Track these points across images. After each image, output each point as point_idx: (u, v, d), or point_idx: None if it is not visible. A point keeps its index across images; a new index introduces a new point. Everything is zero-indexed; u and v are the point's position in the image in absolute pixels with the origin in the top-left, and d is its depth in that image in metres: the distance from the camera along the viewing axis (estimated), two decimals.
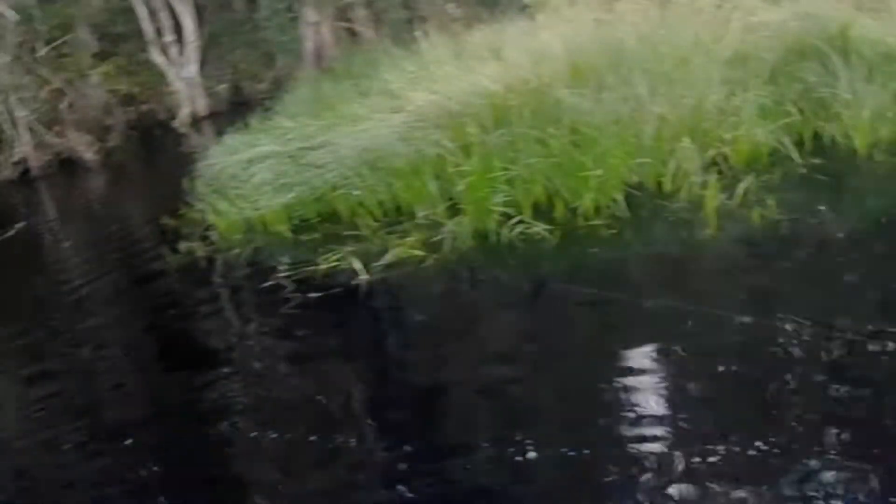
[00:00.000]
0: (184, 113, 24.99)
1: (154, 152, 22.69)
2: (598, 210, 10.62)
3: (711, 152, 11.52)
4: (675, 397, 7.12)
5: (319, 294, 9.92)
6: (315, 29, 24.02)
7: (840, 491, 5.65)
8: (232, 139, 14.49)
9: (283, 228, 11.81)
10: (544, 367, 7.79)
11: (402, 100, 13.54)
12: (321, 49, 24.09)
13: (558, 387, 7.47)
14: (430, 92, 13.24)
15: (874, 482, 5.65)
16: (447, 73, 13.90)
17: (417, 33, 17.63)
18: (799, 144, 11.70)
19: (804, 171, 11.20)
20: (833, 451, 6.06)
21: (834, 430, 6.24)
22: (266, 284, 10.54)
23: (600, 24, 14.46)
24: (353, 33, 24.90)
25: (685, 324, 8.02)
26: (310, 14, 23.74)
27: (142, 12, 24.51)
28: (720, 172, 11.04)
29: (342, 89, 16.44)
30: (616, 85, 12.20)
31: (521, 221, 10.39)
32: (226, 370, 8.95)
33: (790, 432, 6.28)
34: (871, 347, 7.19)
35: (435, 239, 10.60)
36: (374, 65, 17.21)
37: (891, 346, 7.12)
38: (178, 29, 25.08)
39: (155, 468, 7.36)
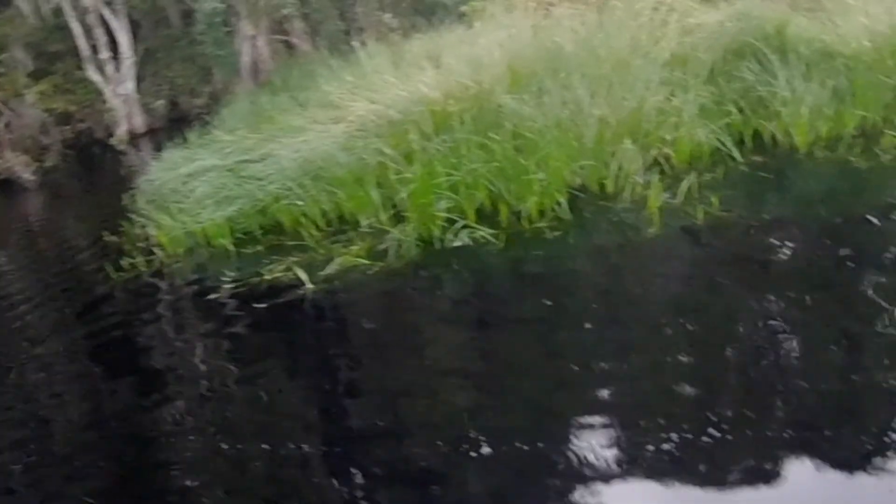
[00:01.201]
0: (121, 130, 24.83)
1: (93, 170, 22.53)
2: (542, 213, 10.61)
3: (653, 153, 11.62)
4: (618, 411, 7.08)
5: (265, 305, 9.81)
6: (251, 42, 23.95)
7: None
8: (171, 154, 14.41)
9: (227, 241, 11.69)
10: (489, 376, 7.76)
11: (341, 110, 13.49)
12: (258, 62, 24.02)
13: (502, 393, 7.43)
14: (369, 101, 13.20)
15: None
16: (386, 81, 13.86)
17: (355, 44, 17.58)
18: (740, 143, 11.85)
19: (746, 168, 11.33)
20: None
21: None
22: (211, 297, 10.42)
23: (538, 30, 14.46)
24: (289, 46, 24.85)
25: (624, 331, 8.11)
26: (246, 28, 23.67)
27: (77, 29, 24.33)
28: (662, 172, 11.11)
29: (280, 102, 16.41)
30: (556, 89, 12.20)
31: (465, 226, 10.35)
32: (172, 386, 8.81)
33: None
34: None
35: (380, 247, 10.55)
36: (312, 76, 17.20)
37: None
38: (113, 45, 24.90)
39: (101, 487, 7.23)
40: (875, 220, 9.52)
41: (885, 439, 5.90)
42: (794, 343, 7.40)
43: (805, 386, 6.71)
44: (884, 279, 8.16)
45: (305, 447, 7.20)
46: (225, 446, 7.41)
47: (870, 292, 7.86)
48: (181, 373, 9.18)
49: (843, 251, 8.93)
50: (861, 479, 5.58)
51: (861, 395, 6.49)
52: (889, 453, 5.74)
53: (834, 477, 5.68)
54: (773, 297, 8.17)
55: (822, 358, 7.03)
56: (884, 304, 7.49)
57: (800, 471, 5.79)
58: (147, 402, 8.43)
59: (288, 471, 6.94)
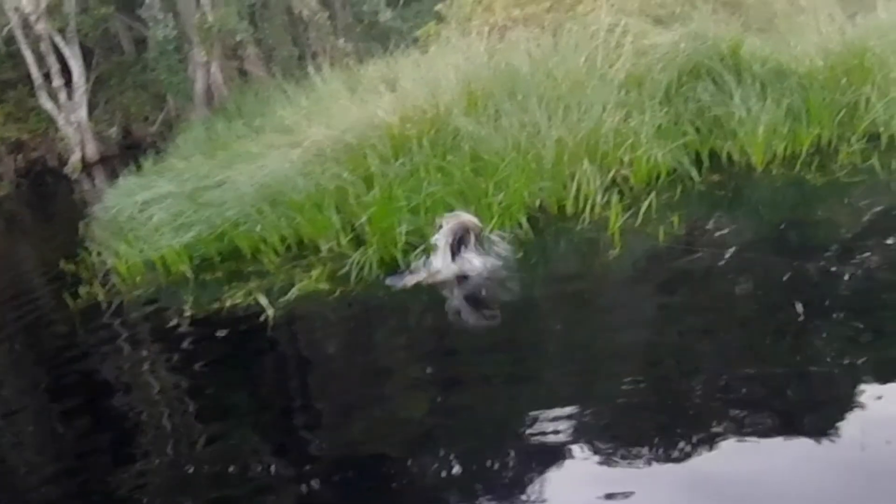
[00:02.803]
0: (75, 158, 24.69)
1: (46, 199, 22.35)
2: (502, 235, 10.58)
3: (611, 174, 11.64)
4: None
5: (225, 332, 9.72)
6: (205, 69, 23.89)
7: None
8: (126, 182, 14.35)
9: (185, 268, 11.62)
10: (452, 404, 7.67)
11: (297, 135, 13.47)
12: (212, 89, 23.97)
13: (463, 419, 7.39)
14: (326, 126, 13.17)
15: None
16: (342, 106, 13.85)
17: (309, 69, 17.58)
18: (697, 163, 11.89)
19: (704, 188, 11.39)
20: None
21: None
22: (170, 325, 10.32)
23: (493, 53, 14.50)
24: (243, 72, 24.82)
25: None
26: (199, 54, 23.62)
27: (29, 57, 24.17)
28: (621, 193, 11.13)
29: (235, 128, 16.41)
30: (513, 111, 12.23)
31: (427, 249, 10.31)
32: (131, 416, 8.66)
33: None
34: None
35: (341, 271, 10.48)
36: (267, 102, 17.22)
37: None
38: (66, 73, 24.77)
39: None
40: (832, 237, 9.66)
41: None
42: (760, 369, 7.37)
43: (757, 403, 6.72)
44: (840, 296, 8.25)
45: (263, 476, 7.10)
46: (182, 477, 7.32)
47: (828, 309, 7.98)
48: (138, 403, 9.01)
49: (803, 269, 8.83)
50: None
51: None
52: None
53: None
54: (740, 318, 8.23)
55: (781, 382, 7.03)
56: (839, 318, 7.73)
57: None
58: (103, 429, 8.39)
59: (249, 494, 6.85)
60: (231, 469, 7.15)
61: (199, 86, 23.82)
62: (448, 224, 9.73)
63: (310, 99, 15.31)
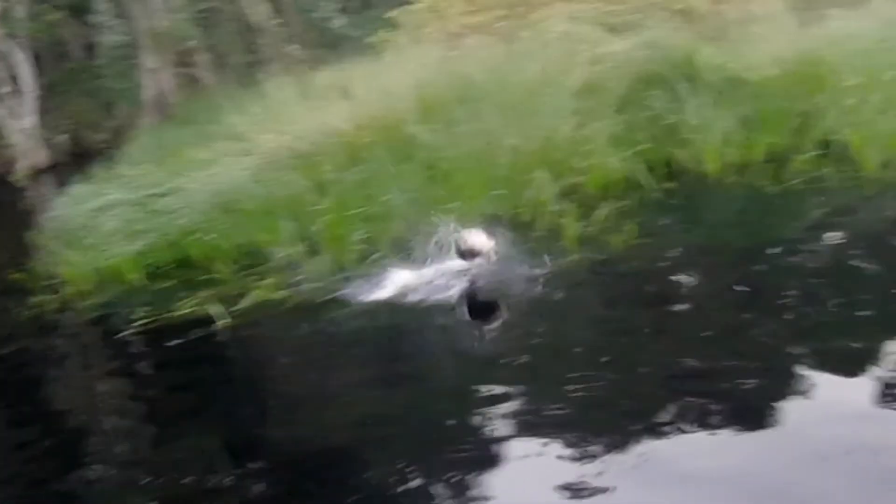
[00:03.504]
0: (23, 165, 24.40)
1: None
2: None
3: (566, 181, 11.62)
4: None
5: (177, 342, 9.56)
6: (155, 75, 23.69)
7: None
8: (76, 189, 14.15)
9: (137, 276, 11.44)
10: (405, 406, 7.63)
11: (250, 142, 13.36)
12: (162, 95, 23.78)
13: (418, 422, 7.37)
14: (278, 133, 13.08)
15: None
16: (295, 113, 13.76)
17: (261, 76, 17.46)
18: (651, 171, 11.88)
19: (659, 196, 11.40)
20: None
21: None
22: (122, 334, 10.13)
23: (447, 61, 14.47)
24: (194, 79, 24.64)
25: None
26: (149, 60, 23.41)
27: None
28: (577, 201, 11.10)
29: (186, 135, 16.25)
30: (467, 119, 12.21)
31: (382, 257, 10.26)
32: (79, 424, 8.56)
33: None
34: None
35: (294, 279, 10.39)
36: (218, 109, 17.01)
37: None
38: (14, 79, 24.49)
39: None
40: (784, 245, 9.69)
41: None
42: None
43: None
44: (785, 296, 8.44)
45: (212, 481, 6.99)
46: (129, 483, 7.21)
47: (775, 309, 8.15)
48: (87, 411, 8.89)
49: (752, 272, 9.09)
50: None
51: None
52: None
53: None
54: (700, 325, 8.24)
55: (730, 375, 7.11)
56: (785, 316, 7.98)
57: None
58: (49, 439, 8.18)
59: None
60: (180, 475, 7.03)
61: (150, 92, 23.63)
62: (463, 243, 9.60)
63: (262, 106, 15.20)
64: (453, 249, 9.54)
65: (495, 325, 9.04)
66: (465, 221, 9.62)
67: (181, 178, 12.91)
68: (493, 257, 9.37)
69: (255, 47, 24.03)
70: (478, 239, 9.39)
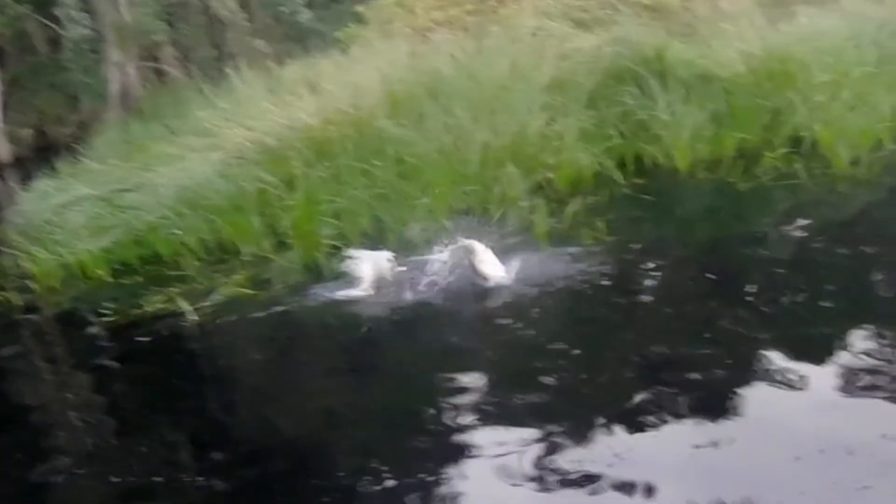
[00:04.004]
0: None
1: None
2: (427, 238, 10.46)
3: (536, 177, 11.62)
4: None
5: (146, 338, 9.45)
6: (120, 69, 23.45)
7: None
8: (42, 184, 13.98)
9: (104, 273, 11.30)
10: (371, 411, 7.55)
11: (217, 137, 13.23)
12: (128, 90, 23.53)
13: (384, 414, 7.37)
14: (245, 128, 12.97)
15: None
16: (263, 108, 13.64)
17: (228, 70, 17.30)
18: (622, 166, 11.90)
19: (629, 192, 11.42)
20: None
21: None
22: (89, 331, 10.02)
23: (416, 56, 14.40)
24: (160, 73, 24.45)
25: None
26: (114, 54, 23.18)
27: None
28: (547, 196, 11.08)
29: (153, 130, 16.12)
30: (437, 114, 12.17)
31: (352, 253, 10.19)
32: (44, 421, 8.41)
33: None
34: None
35: (263, 275, 10.37)
36: (185, 104, 16.88)
37: None
38: None
39: None
40: (753, 240, 9.91)
41: None
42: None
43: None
44: (758, 295, 8.48)
45: (177, 479, 6.93)
46: (95, 479, 7.12)
47: (750, 309, 8.18)
48: (54, 408, 8.77)
49: (722, 270, 9.17)
50: None
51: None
52: None
53: None
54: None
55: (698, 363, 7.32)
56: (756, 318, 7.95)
57: None
58: (12, 436, 8.10)
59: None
60: (146, 470, 7.02)
61: (115, 87, 23.36)
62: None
63: (229, 101, 15.06)
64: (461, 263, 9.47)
65: (466, 319, 8.94)
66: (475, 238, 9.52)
67: (148, 174, 12.80)
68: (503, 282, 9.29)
69: (221, 41, 23.86)
70: (490, 266, 9.31)
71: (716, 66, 12.85)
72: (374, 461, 6.54)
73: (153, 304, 10.14)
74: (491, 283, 9.18)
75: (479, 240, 9.29)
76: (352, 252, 9.78)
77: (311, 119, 12.53)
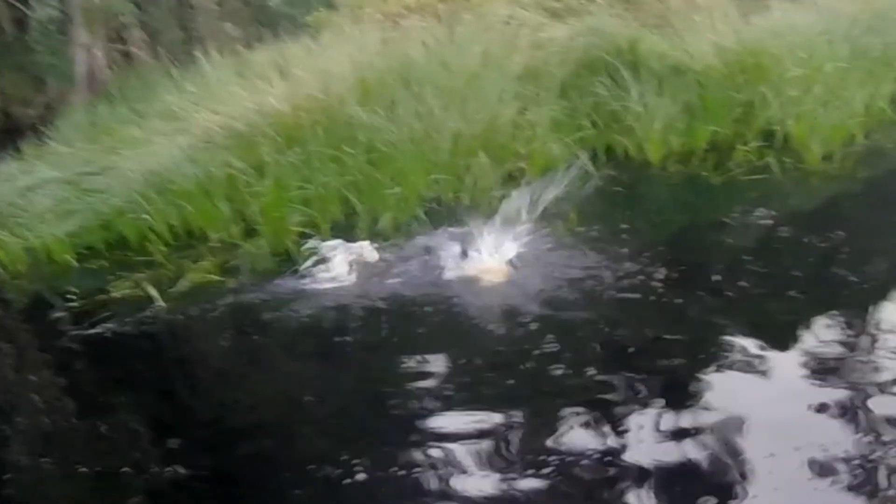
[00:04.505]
0: None
1: None
2: (398, 227, 10.44)
3: (508, 166, 11.60)
4: None
5: (112, 324, 9.30)
6: (88, 51, 23.21)
7: None
8: (6, 167, 13.78)
9: (70, 257, 11.14)
10: (335, 401, 7.49)
11: (185, 121, 13.10)
12: (95, 72, 23.28)
13: (348, 400, 7.36)
14: (214, 112, 12.84)
15: None
16: (231, 92, 13.51)
17: (196, 54, 17.14)
18: (593, 157, 11.85)
19: (601, 183, 11.31)
20: None
21: None
22: (55, 316, 9.87)
23: (387, 42, 14.31)
24: (127, 55, 24.20)
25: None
26: (82, 36, 22.94)
27: None
28: (518, 186, 11.00)
29: (120, 113, 15.94)
30: (408, 102, 12.10)
31: (322, 240, 10.13)
32: (5, 408, 8.23)
33: None
34: None
35: (232, 262, 10.28)
36: (152, 87, 16.71)
37: None
38: None
39: None
40: (725, 232, 10.03)
41: None
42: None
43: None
44: (726, 286, 8.71)
45: (141, 467, 6.82)
46: (57, 469, 7.05)
47: (717, 299, 8.41)
48: (16, 395, 8.65)
49: (693, 262, 9.34)
50: None
51: None
52: None
53: None
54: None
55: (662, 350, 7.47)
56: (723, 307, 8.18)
57: None
58: None
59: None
60: (110, 458, 6.94)
61: (81, 68, 23.08)
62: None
63: (197, 84, 14.91)
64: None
65: (435, 308, 8.87)
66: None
67: (114, 157, 12.64)
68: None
69: (190, 24, 23.64)
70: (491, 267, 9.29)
71: (688, 59, 12.85)
72: (340, 448, 6.52)
73: (120, 289, 10.02)
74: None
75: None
76: (328, 243, 9.74)
77: (281, 104, 12.40)
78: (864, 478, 5.57)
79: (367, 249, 9.61)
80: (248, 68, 15.02)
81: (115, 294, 9.95)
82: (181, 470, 6.60)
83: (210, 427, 7.36)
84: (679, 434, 6.17)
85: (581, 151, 11.81)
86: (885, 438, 5.95)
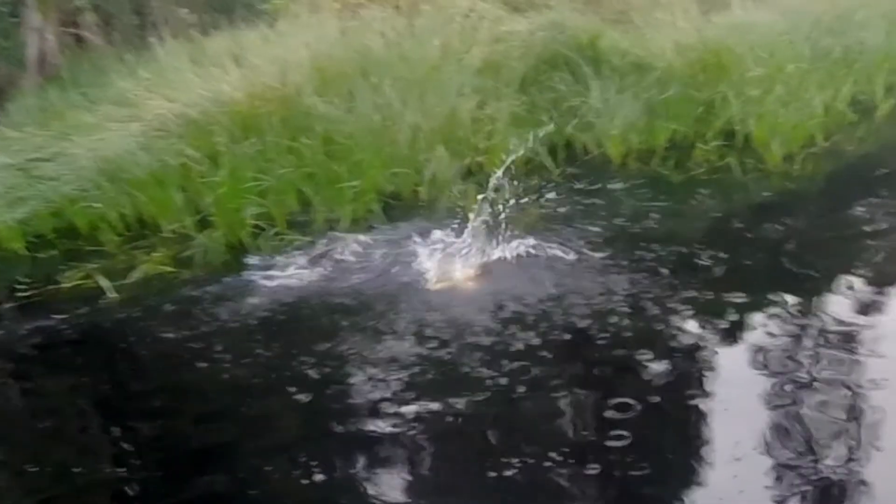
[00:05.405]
0: None
1: None
2: (356, 220, 10.35)
3: (466, 161, 11.54)
4: None
5: (63, 316, 9.10)
6: (39, 35, 22.91)
7: None
8: None
9: (18, 246, 10.91)
10: (301, 393, 7.36)
11: (138, 108, 12.91)
12: (47, 56, 22.97)
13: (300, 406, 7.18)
14: (168, 100, 12.66)
15: None
16: (186, 79, 13.34)
17: (151, 39, 16.94)
18: (553, 153, 11.80)
19: (560, 179, 11.31)
20: None
21: None
22: (2, 307, 9.66)
23: (346, 32, 14.20)
24: (80, 40, 23.91)
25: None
26: (33, 19, 22.63)
27: None
28: (478, 181, 10.96)
29: (71, 98, 15.67)
30: (366, 93, 12.02)
31: (277, 234, 10.01)
32: None
33: None
34: None
35: (185, 253, 10.12)
36: (105, 72, 16.48)
37: None
38: None
39: None
40: (683, 229, 10.06)
41: None
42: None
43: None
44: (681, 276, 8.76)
45: (88, 466, 6.71)
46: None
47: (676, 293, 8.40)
48: None
49: (650, 256, 9.29)
50: None
51: None
52: None
53: None
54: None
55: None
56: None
57: None
58: None
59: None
60: (56, 458, 6.78)
61: (33, 52, 22.73)
62: None
63: (151, 70, 14.71)
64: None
65: (390, 302, 8.77)
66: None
67: (65, 143, 12.39)
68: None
69: (145, 9, 23.37)
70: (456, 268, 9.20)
71: (650, 56, 12.86)
72: (298, 443, 6.59)
73: (70, 279, 9.82)
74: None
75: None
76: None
77: (237, 93, 12.27)
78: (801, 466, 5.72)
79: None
80: (204, 55, 14.84)
81: (66, 284, 9.76)
82: (133, 466, 6.51)
83: (158, 421, 7.23)
84: (618, 420, 6.31)
85: (541, 147, 11.70)
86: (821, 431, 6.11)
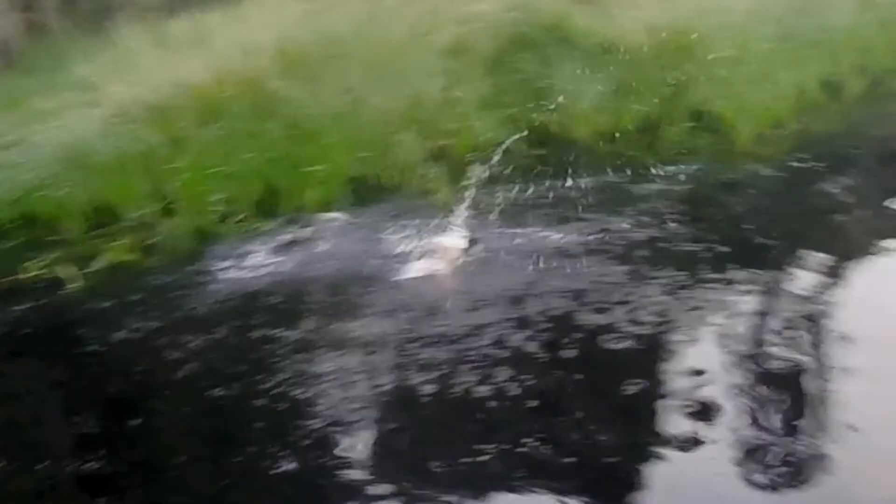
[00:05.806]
0: None
1: None
2: (322, 205, 10.27)
3: (434, 144, 11.41)
4: None
5: (25, 306, 8.98)
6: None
7: None
8: None
9: None
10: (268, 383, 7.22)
11: (99, 93, 12.76)
12: (5, 41, 22.76)
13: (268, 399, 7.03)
14: (130, 84, 12.51)
15: None
16: (148, 64, 13.21)
17: (112, 23, 16.76)
18: (522, 135, 11.69)
19: (529, 161, 11.16)
20: None
21: None
22: None
23: (310, 14, 14.08)
24: (40, 24, 23.67)
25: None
26: None
27: None
28: (445, 165, 10.92)
29: (31, 84, 15.49)
30: (332, 76, 11.90)
31: (243, 219, 9.89)
32: None
33: None
34: None
35: (149, 241, 9.97)
36: (65, 57, 16.29)
37: None
38: None
39: None
40: (649, 210, 9.89)
41: None
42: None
43: None
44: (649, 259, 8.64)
45: (49, 461, 6.54)
46: None
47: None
48: None
49: (616, 237, 9.22)
50: None
51: None
52: None
53: None
54: None
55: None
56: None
57: None
58: None
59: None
60: (21, 457, 6.58)
61: None
62: None
63: (113, 55, 14.56)
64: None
65: (359, 290, 8.66)
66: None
67: (25, 130, 12.26)
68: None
69: None
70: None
71: (617, 37, 12.79)
72: (269, 434, 6.40)
73: (32, 269, 9.65)
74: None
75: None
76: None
77: (200, 77, 12.14)
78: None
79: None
80: (166, 39, 14.71)
81: (27, 274, 9.59)
82: (91, 455, 6.40)
83: (121, 414, 7.06)
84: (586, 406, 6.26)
85: (508, 129, 11.60)
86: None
